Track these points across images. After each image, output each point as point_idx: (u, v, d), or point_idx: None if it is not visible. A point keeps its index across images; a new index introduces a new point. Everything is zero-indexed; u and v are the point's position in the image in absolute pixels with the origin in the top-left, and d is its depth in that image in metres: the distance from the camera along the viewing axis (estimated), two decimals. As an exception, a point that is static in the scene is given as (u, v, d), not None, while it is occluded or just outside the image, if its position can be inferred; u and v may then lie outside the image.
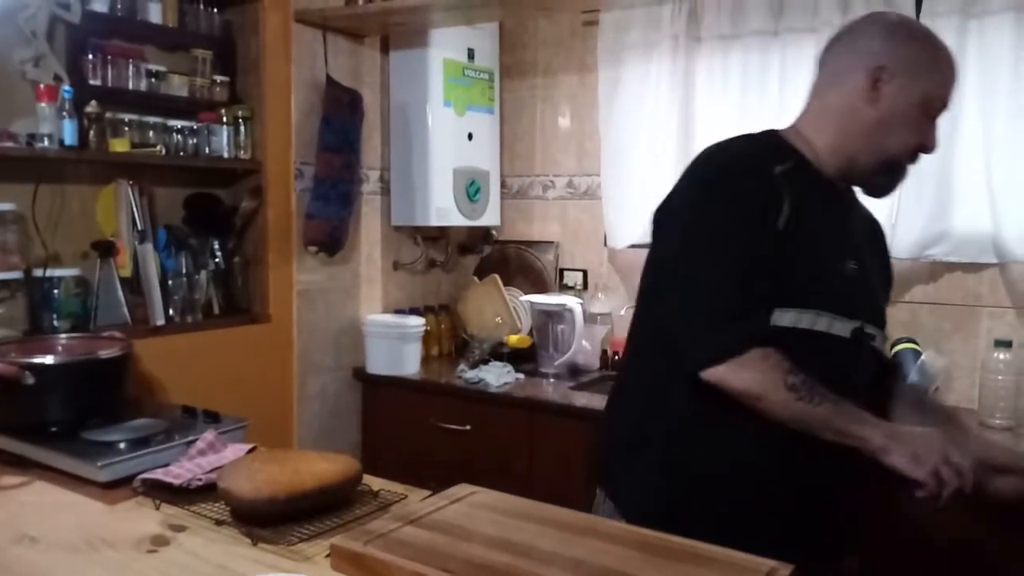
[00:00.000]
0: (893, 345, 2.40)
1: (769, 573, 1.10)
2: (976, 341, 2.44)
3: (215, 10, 2.57)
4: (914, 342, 2.42)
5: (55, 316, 2.16)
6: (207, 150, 2.51)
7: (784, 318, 1.33)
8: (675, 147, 2.81)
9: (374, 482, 1.49)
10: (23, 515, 1.41)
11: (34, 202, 2.15)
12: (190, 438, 1.64)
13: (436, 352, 3.16)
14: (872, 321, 1.44)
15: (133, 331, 2.19)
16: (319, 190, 2.74)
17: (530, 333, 3.00)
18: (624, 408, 1.55)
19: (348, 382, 2.98)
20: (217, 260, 2.56)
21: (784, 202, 1.32)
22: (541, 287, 3.17)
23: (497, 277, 3.07)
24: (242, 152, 2.58)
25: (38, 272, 2.12)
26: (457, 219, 3.07)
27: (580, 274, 3.18)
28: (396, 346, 2.89)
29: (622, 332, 2.98)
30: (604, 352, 3.01)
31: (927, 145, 1.41)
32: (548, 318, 2.89)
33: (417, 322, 2.96)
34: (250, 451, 1.60)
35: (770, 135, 1.48)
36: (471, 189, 3.09)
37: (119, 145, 2.26)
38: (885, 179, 1.44)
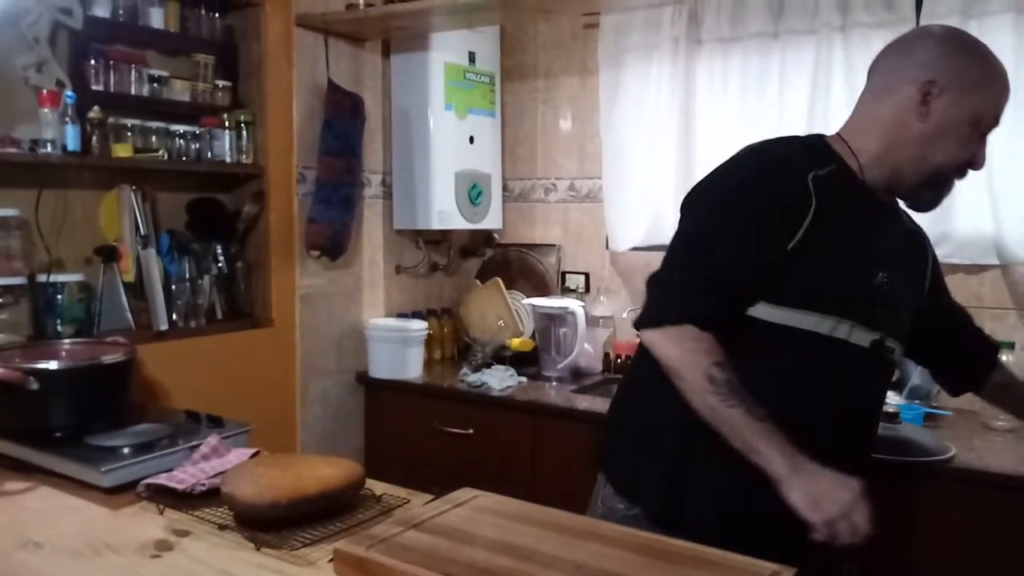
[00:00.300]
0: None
1: (771, 576, 1.10)
2: (978, 342, 2.43)
3: (216, 15, 2.58)
4: (916, 344, 2.42)
5: (59, 321, 2.17)
6: (209, 155, 2.51)
7: (805, 321, 1.33)
8: (676, 149, 2.82)
9: (377, 486, 1.49)
10: (27, 520, 1.41)
11: (37, 208, 2.15)
12: (194, 443, 1.65)
13: (439, 356, 3.17)
14: (894, 335, 1.44)
15: (137, 336, 2.20)
16: (321, 194, 2.74)
17: (532, 336, 3.00)
18: (636, 397, 1.53)
19: (351, 386, 2.99)
20: (220, 265, 2.57)
21: (810, 207, 1.32)
22: (543, 290, 3.17)
23: (499, 280, 3.07)
24: (244, 157, 2.59)
25: (42, 278, 2.13)
26: (459, 222, 3.08)
27: (582, 277, 3.18)
28: (399, 350, 2.90)
29: (624, 335, 3.00)
30: (606, 355, 3.01)
31: (975, 162, 1.40)
32: (550, 321, 2.89)
33: (419, 326, 2.96)
34: (253, 456, 1.60)
35: (815, 140, 1.48)
36: (473, 192, 3.10)
37: (122, 150, 2.26)
38: (930, 193, 1.44)
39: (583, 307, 2.89)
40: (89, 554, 1.28)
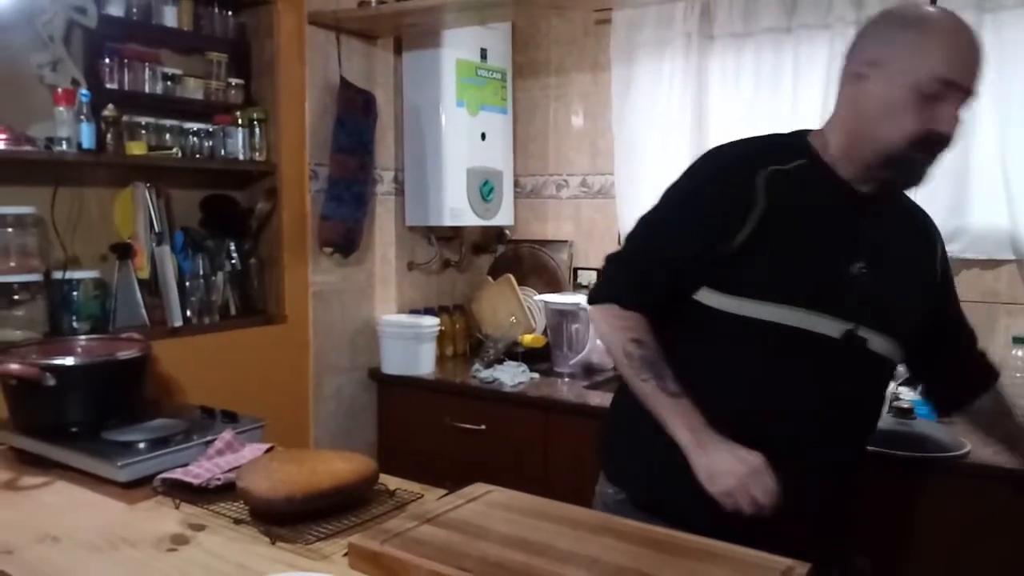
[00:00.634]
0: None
1: (785, 572, 1.10)
2: (994, 338, 2.41)
3: (229, 13, 2.59)
4: (931, 339, 2.41)
5: (74, 318, 2.18)
6: (222, 152, 2.53)
7: (763, 312, 1.36)
8: (688, 145, 2.81)
9: (390, 481, 1.50)
10: (45, 515, 1.43)
11: (53, 205, 2.17)
12: (208, 438, 1.66)
13: (451, 352, 3.17)
14: (878, 327, 1.41)
15: (151, 332, 2.21)
16: (333, 191, 2.75)
17: (544, 332, 3.00)
18: (623, 384, 1.54)
19: (363, 382, 3.00)
20: (233, 261, 2.58)
21: (756, 204, 1.36)
22: (555, 286, 3.17)
23: (511, 277, 3.07)
24: (257, 154, 2.60)
25: (57, 275, 2.14)
26: (471, 219, 3.08)
27: (594, 273, 3.18)
28: (411, 346, 2.90)
29: (636, 331, 2.99)
30: (619, 351, 3.00)
31: (933, 129, 1.31)
32: (562, 317, 2.89)
33: (432, 322, 2.97)
34: (268, 451, 1.61)
35: (794, 136, 1.49)
36: (485, 189, 3.10)
37: (136, 148, 2.28)
38: (892, 173, 1.39)
39: (595, 303, 2.88)
40: (106, 548, 1.29)
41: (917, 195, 2.42)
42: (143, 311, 2.30)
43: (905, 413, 2.07)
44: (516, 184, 3.32)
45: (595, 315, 1.51)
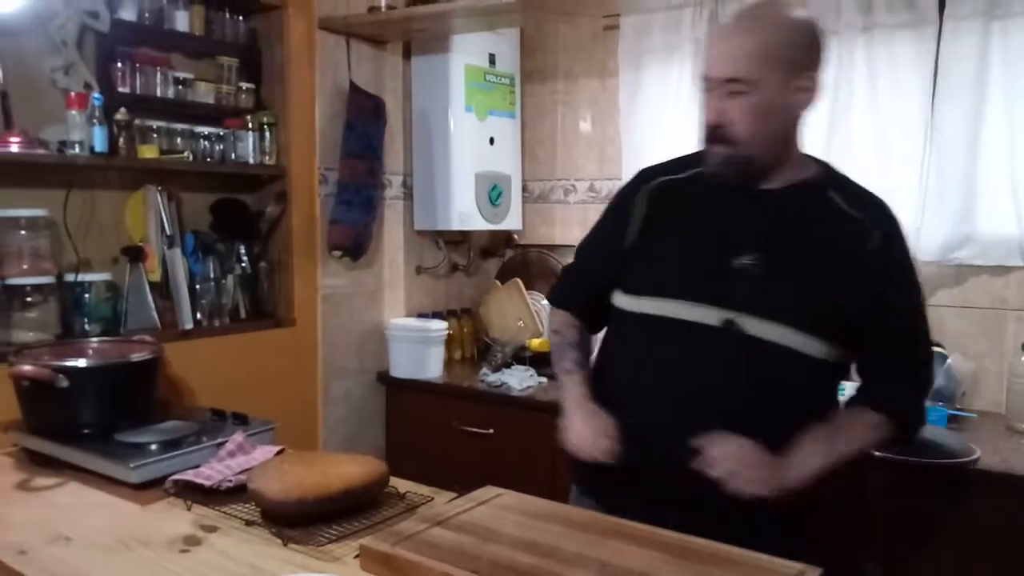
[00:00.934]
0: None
1: None
2: (1003, 345, 2.42)
3: (241, 18, 2.60)
4: (940, 346, 2.41)
5: (86, 320, 2.20)
6: (233, 156, 2.54)
7: (648, 306, 1.50)
8: (696, 150, 2.81)
9: (400, 484, 1.51)
10: (57, 516, 1.44)
11: (65, 208, 2.18)
12: (220, 440, 1.67)
13: (459, 356, 3.18)
14: (763, 313, 1.40)
15: (162, 335, 2.22)
16: (343, 195, 2.76)
17: (552, 337, 3.01)
18: None
19: (372, 386, 3.00)
20: (243, 265, 2.59)
21: (634, 210, 1.57)
22: (563, 291, 3.17)
23: (519, 281, 3.08)
24: (267, 158, 2.61)
25: (70, 277, 2.16)
26: (479, 223, 3.09)
27: (602, 278, 3.18)
28: (419, 350, 2.91)
29: (644, 336, 2.99)
30: (626, 356, 3.01)
31: (703, 122, 1.48)
32: (570, 322, 2.89)
33: (440, 326, 2.97)
34: (279, 453, 1.62)
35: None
36: (493, 193, 3.11)
37: (148, 151, 2.29)
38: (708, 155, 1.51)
39: (603, 308, 2.89)
40: (119, 548, 1.30)
41: (926, 200, 2.44)
42: (154, 314, 2.31)
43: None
44: (524, 189, 3.33)
45: (549, 315, 1.82)
